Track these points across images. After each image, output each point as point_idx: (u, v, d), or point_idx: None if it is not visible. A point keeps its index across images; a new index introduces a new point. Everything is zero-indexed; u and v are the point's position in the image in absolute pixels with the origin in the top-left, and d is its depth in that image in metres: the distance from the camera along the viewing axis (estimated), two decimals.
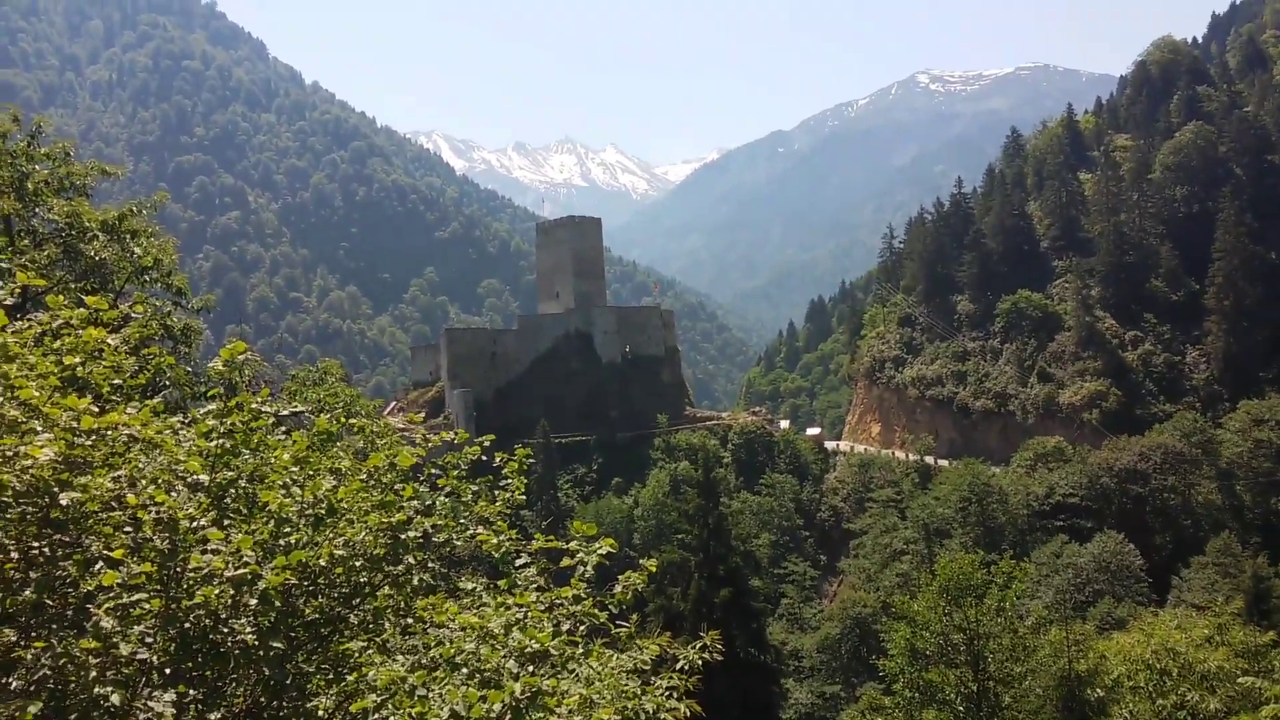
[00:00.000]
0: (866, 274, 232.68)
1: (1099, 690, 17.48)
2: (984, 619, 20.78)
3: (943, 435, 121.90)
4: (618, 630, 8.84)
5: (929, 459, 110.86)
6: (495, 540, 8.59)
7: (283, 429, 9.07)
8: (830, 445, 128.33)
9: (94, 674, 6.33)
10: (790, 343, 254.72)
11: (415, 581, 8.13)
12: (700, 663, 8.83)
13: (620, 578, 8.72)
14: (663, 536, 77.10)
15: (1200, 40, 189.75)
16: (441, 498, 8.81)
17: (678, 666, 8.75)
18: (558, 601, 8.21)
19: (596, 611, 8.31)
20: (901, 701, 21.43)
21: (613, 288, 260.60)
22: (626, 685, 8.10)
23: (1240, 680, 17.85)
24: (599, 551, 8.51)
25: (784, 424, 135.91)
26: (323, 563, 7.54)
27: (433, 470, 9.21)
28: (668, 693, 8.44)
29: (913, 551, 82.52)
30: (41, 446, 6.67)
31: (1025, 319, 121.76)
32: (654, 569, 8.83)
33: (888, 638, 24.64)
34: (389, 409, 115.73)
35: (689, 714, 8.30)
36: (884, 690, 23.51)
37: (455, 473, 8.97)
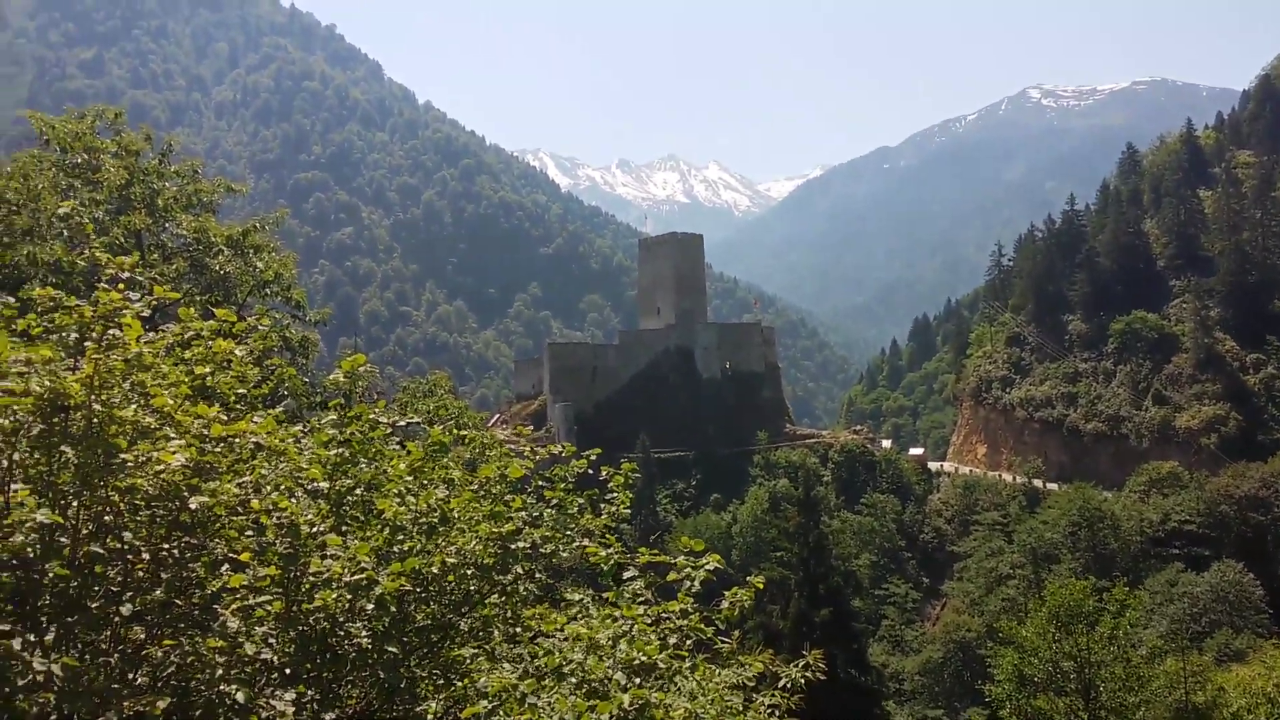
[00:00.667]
0: (973, 292, 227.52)
1: None
2: (1095, 647, 20.09)
3: (1051, 458, 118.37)
4: (721, 646, 8.85)
5: (1037, 482, 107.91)
6: (604, 553, 8.69)
7: (397, 439, 9.34)
8: (934, 466, 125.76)
9: (219, 672, 6.58)
10: (893, 361, 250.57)
11: (522, 591, 8.28)
12: (802, 681, 8.79)
13: (727, 594, 8.72)
14: (761, 554, 76.53)
15: None
16: (548, 510, 8.96)
17: (780, 684, 8.73)
18: (664, 615, 8.26)
19: (703, 626, 8.33)
20: None
21: (713, 304, 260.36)
22: (730, 701, 8.11)
23: None
24: (706, 567, 8.54)
25: (886, 443, 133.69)
26: (435, 570, 7.73)
27: (540, 482, 9.36)
28: (770, 710, 8.43)
29: (1019, 576, 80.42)
30: (173, 452, 6.96)
31: (1140, 340, 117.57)
32: (760, 585, 8.81)
33: (993, 663, 24.03)
34: (493, 421, 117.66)
35: None
36: (989, 716, 22.88)
37: (562, 485, 9.11)
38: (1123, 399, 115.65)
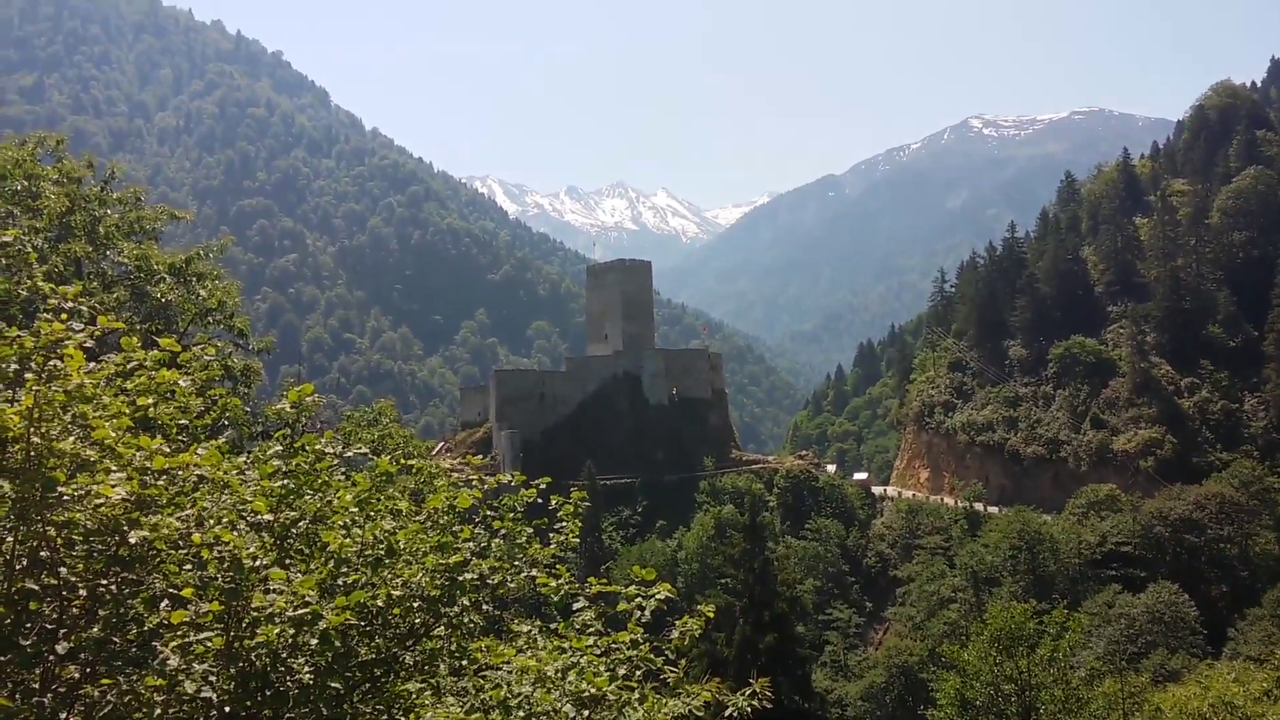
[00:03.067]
0: (916, 318, 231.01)
1: None
2: (1035, 669, 20.45)
3: (992, 481, 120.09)
4: (668, 675, 8.86)
5: (978, 505, 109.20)
6: (554, 584, 8.68)
7: (343, 470, 9.26)
8: (878, 490, 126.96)
9: (158, 711, 6.46)
10: (838, 386, 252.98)
11: (469, 623, 8.22)
12: (749, 710, 8.82)
13: (678, 623, 8.75)
14: (707, 581, 76.51)
15: (1260, 84, 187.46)
16: (496, 540, 8.92)
17: (727, 713, 8.75)
18: (614, 646, 8.25)
19: (653, 657, 8.34)
20: None
21: (661, 330, 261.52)
22: None
23: None
24: (656, 596, 8.56)
25: (831, 468, 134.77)
26: (380, 603, 7.65)
27: (488, 512, 9.32)
28: None
29: (961, 600, 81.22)
30: (114, 485, 6.85)
31: (1079, 364, 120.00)
32: (711, 614, 8.85)
33: (935, 687, 24.33)
34: (438, 449, 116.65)
35: None
36: None
37: (510, 515, 9.09)
38: (1062, 423, 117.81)
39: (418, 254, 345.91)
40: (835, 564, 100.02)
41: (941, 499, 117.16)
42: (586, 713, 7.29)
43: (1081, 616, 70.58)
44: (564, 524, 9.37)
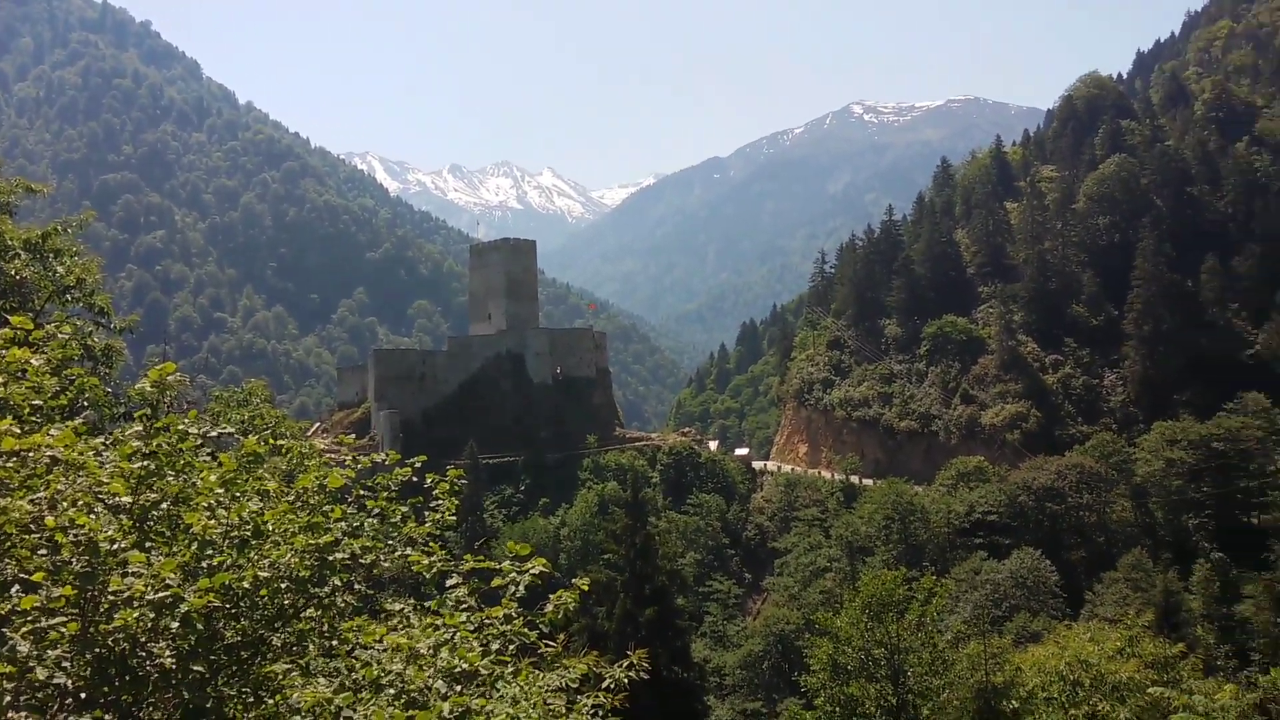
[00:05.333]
0: (797, 298, 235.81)
1: (1014, 702, 18.02)
2: (904, 634, 21.29)
3: (868, 455, 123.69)
4: (545, 650, 8.91)
5: (854, 478, 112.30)
6: (426, 561, 8.61)
7: (208, 451, 8.99)
8: (758, 465, 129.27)
9: (8, 699, 6.23)
10: (721, 365, 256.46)
11: (340, 603, 8.11)
12: (626, 681, 8.93)
13: (552, 597, 8.79)
14: (590, 557, 76.84)
15: (1125, 76, 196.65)
16: (370, 519, 8.80)
17: (604, 685, 8.84)
18: (487, 621, 8.25)
19: (527, 631, 8.37)
20: (823, 716, 21.83)
21: (546, 310, 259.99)
22: (553, 704, 8.18)
23: (1150, 691, 18.53)
24: (531, 571, 8.57)
25: (713, 444, 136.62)
26: (246, 585, 7.48)
27: (361, 492, 9.18)
28: (594, 710, 8.54)
29: (836, 569, 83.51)
30: None
31: (950, 343, 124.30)
32: (585, 588, 8.91)
33: (810, 654, 25.01)
34: (313, 430, 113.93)
35: None
36: (805, 706, 23.83)
37: (384, 494, 8.97)
38: (934, 398, 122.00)
39: (293, 231, 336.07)
40: (716, 537, 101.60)
41: (819, 472, 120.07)
42: (459, 688, 7.28)
43: (949, 583, 73.81)
44: (440, 502, 9.29)
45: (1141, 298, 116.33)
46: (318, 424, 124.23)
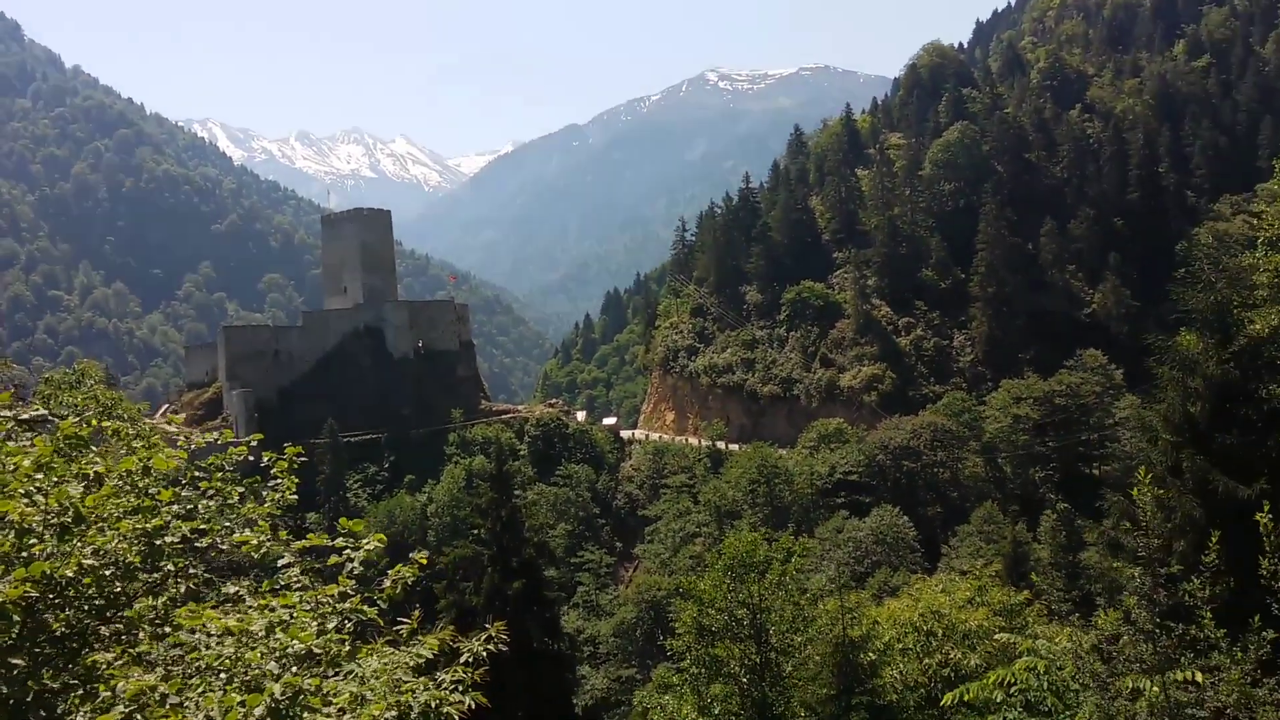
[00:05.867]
0: (660, 266, 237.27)
1: (871, 654, 18.72)
2: (766, 594, 21.78)
3: (733, 421, 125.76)
4: (398, 627, 8.66)
5: (720, 444, 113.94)
6: (254, 540, 8.22)
7: (28, 435, 8.39)
8: (626, 434, 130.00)
9: None
10: (586, 335, 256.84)
11: (174, 589, 7.67)
12: (485, 655, 8.74)
13: (390, 572, 8.52)
14: (459, 533, 75.99)
15: (966, 45, 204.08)
16: (205, 501, 8.36)
17: (461, 659, 8.65)
18: (322, 600, 7.93)
19: (365, 608, 8.09)
20: (689, 678, 22.22)
21: (405, 282, 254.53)
22: (405, 681, 7.92)
23: (997, 637, 19.49)
24: (366, 547, 8.30)
25: (580, 415, 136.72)
26: (70, 573, 7.01)
27: (196, 473, 8.71)
28: (453, 686, 8.32)
29: (705, 534, 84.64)
30: None
31: (809, 308, 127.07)
32: (424, 561, 8.66)
33: (675, 618, 25.36)
34: (161, 412, 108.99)
35: (474, 706, 8.19)
36: (674, 669, 24.22)
37: (219, 475, 8.52)
38: (794, 363, 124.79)
39: (131, 203, 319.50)
40: (586, 507, 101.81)
41: (686, 439, 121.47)
42: (294, 669, 6.97)
43: (809, 541, 75.83)
44: (279, 481, 8.88)
45: (985, 261, 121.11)
46: (166, 406, 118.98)
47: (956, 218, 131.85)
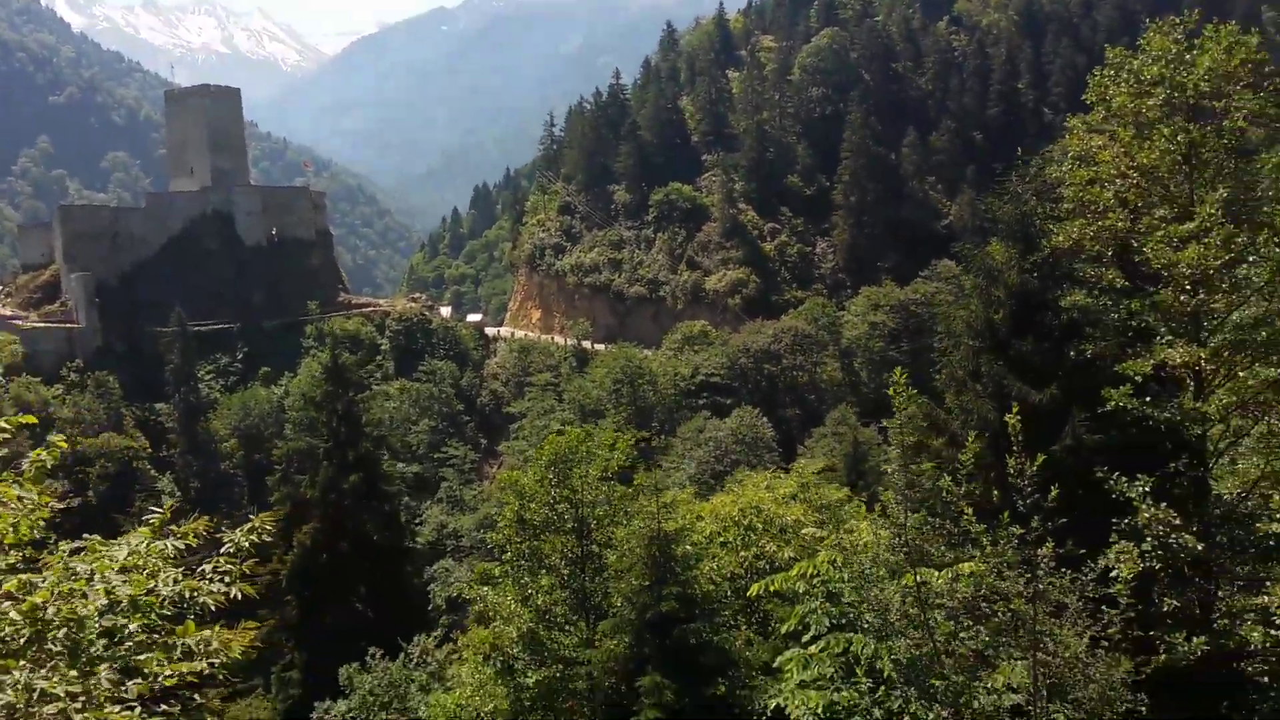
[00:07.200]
0: (531, 162, 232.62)
1: (686, 545, 19.09)
2: (587, 488, 21.89)
3: (599, 321, 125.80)
4: (148, 517, 8.04)
5: (586, 344, 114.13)
6: None
7: None
8: (491, 331, 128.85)
9: None
10: (454, 229, 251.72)
11: None
12: (249, 545, 8.27)
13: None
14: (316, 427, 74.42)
15: None
16: None
17: (223, 549, 8.18)
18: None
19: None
20: (510, 569, 22.38)
21: (262, 166, 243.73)
22: (168, 571, 7.41)
23: (804, 531, 20.07)
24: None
25: (446, 310, 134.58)
26: None
27: None
28: (218, 576, 7.90)
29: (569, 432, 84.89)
30: None
31: (676, 210, 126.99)
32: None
33: (498, 513, 25.36)
34: None
35: (240, 596, 7.82)
36: (497, 562, 24.25)
37: None
38: (661, 264, 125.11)
39: None
40: (450, 404, 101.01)
41: (552, 338, 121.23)
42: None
43: (674, 441, 77.02)
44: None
45: (849, 169, 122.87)
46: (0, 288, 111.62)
47: (823, 125, 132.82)
